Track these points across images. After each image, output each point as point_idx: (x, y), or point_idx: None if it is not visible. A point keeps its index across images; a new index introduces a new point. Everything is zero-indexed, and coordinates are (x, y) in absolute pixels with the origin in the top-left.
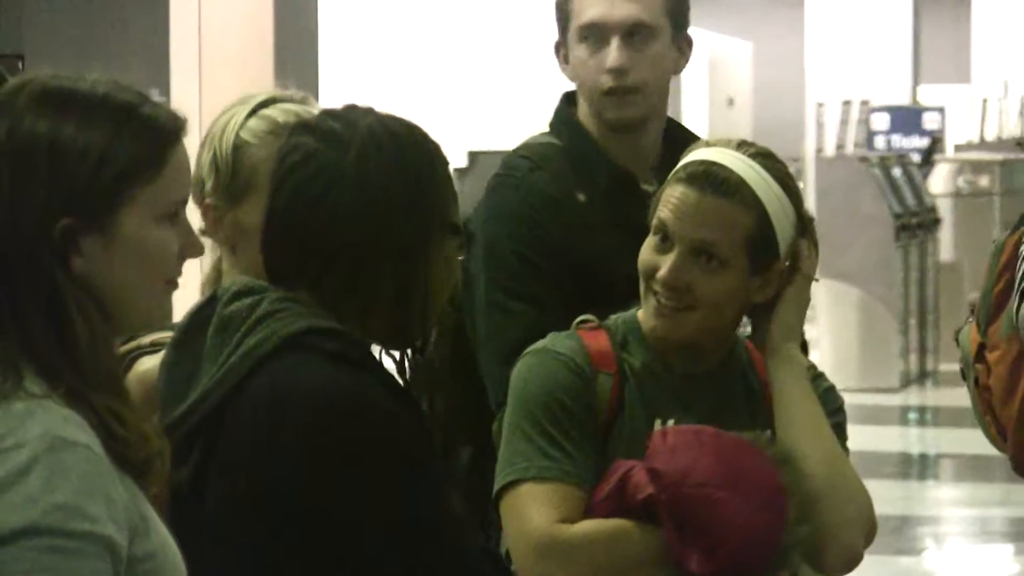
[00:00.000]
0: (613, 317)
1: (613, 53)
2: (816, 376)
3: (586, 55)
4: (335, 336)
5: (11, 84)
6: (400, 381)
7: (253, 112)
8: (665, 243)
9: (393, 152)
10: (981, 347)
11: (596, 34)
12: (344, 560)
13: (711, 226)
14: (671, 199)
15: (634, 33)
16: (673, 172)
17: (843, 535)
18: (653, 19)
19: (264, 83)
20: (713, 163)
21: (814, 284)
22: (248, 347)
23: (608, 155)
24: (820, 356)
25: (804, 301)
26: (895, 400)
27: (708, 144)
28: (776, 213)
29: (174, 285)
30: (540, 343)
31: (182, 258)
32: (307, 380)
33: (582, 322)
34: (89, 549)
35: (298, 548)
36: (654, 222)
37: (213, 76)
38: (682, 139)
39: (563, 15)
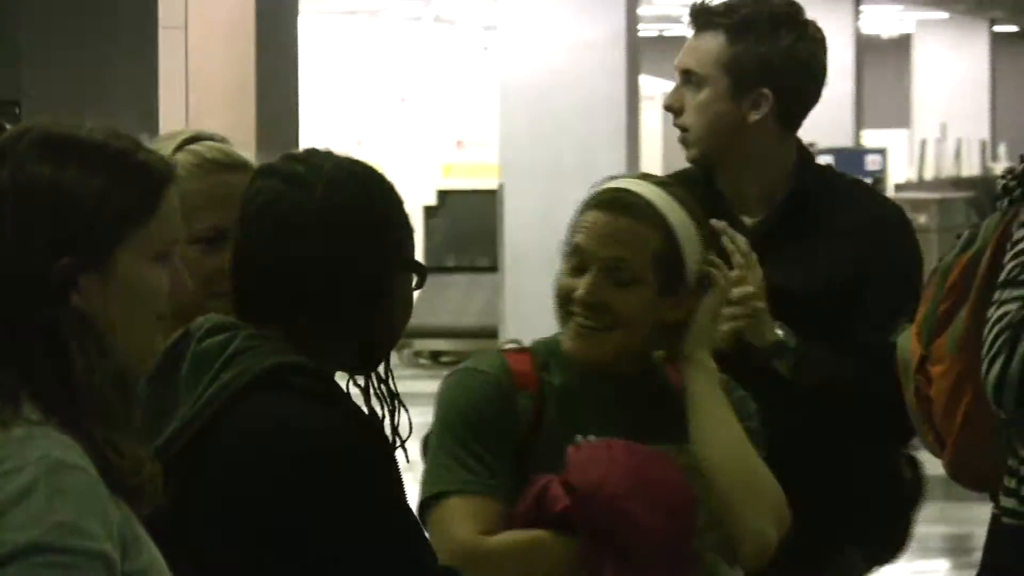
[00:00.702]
0: (537, 340)
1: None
2: (731, 386)
3: None
4: (304, 372)
5: (13, 130)
6: (364, 408)
7: (179, 147)
8: (580, 266)
9: (355, 193)
10: (923, 359)
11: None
12: None
13: (622, 244)
14: (584, 224)
15: (686, 80)
16: (584, 201)
17: (755, 526)
18: (703, 69)
19: (247, 130)
20: (621, 188)
21: None
22: (223, 382)
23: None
24: None
25: (717, 312)
26: None
27: (615, 177)
28: (683, 233)
29: (164, 322)
30: (466, 362)
31: (170, 296)
32: (284, 416)
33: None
34: (87, 564)
35: (277, 572)
36: (568, 248)
37: (200, 123)
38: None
39: None
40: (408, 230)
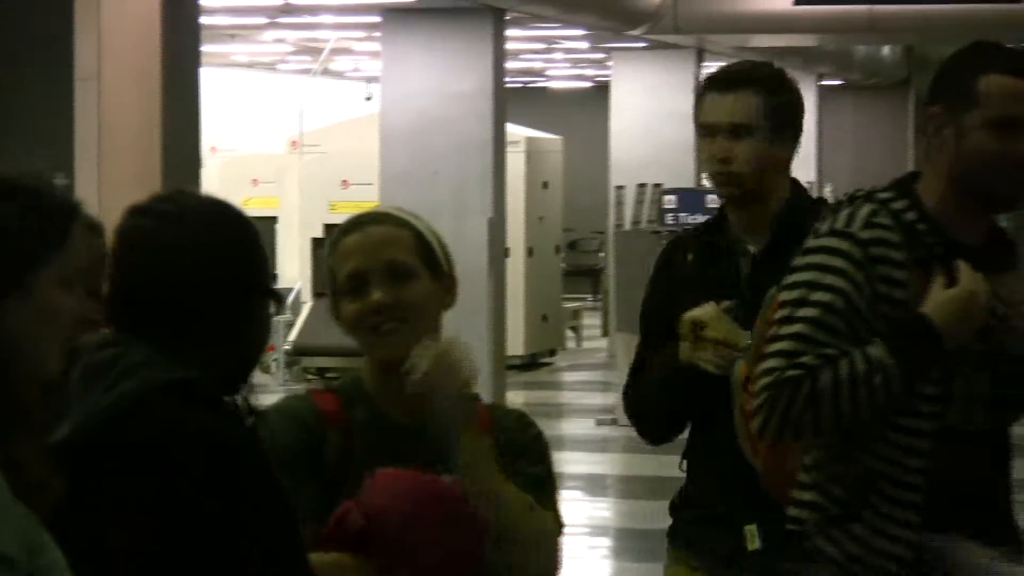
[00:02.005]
0: (343, 379)
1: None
2: (525, 425)
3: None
4: (194, 385)
5: None
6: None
7: None
8: (357, 288)
9: (218, 228)
10: (747, 379)
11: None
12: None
13: (388, 246)
14: (350, 250)
15: (734, 133)
16: (337, 233)
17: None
18: (750, 120)
19: (153, 172)
20: (365, 213)
21: (618, 335)
22: (121, 392)
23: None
24: (618, 396)
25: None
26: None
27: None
28: (425, 232)
29: (72, 341)
30: (275, 404)
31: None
32: (185, 424)
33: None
34: None
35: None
36: (344, 280)
37: (110, 166)
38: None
39: None
40: (265, 261)
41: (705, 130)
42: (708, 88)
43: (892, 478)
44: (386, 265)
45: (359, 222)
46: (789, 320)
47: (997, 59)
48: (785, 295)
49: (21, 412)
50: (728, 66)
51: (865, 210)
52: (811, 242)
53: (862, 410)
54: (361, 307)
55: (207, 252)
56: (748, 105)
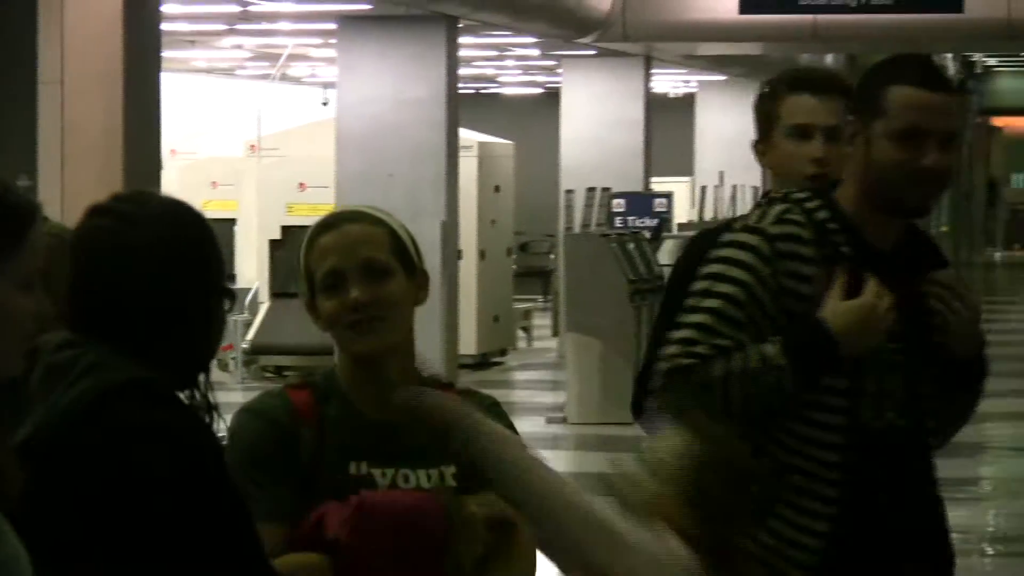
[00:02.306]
0: (318, 374)
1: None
2: (498, 415)
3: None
4: (152, 385)
5: None
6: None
7: None
8: (334, 284)
9: (179, 228)
10: None
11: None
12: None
13: (366, 244)
14: (327, 248)
15: (831, 135)
16: (313, 231)
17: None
18: (841, 122)
19: (115, 173)
20: (340, 211)
21: (568, 335)
22: (81, 389)
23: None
24: (568, 395)
25: None
26: (629, 431)
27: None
28: (399, 230)
29: (31, 342)
30: (249, 402)
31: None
32: (142, 422)
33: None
34: None
35: (140, 563)
36: (321, 277)
37: (73, 167)
38: None
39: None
40: (221, 261)
41: (797, 130)
42: (798, 88)
43: (805, 471)
44: (363, 263)
45: (335, 220)
46: (693, 310)
47: (905, 71)
48: (695, 286)
49: None
50: (813, 69)
51: (779, 208)
52: (724, 237)
53: (751, 405)
54: (339, 304)
55: (167, 253)
56: (840, 109)
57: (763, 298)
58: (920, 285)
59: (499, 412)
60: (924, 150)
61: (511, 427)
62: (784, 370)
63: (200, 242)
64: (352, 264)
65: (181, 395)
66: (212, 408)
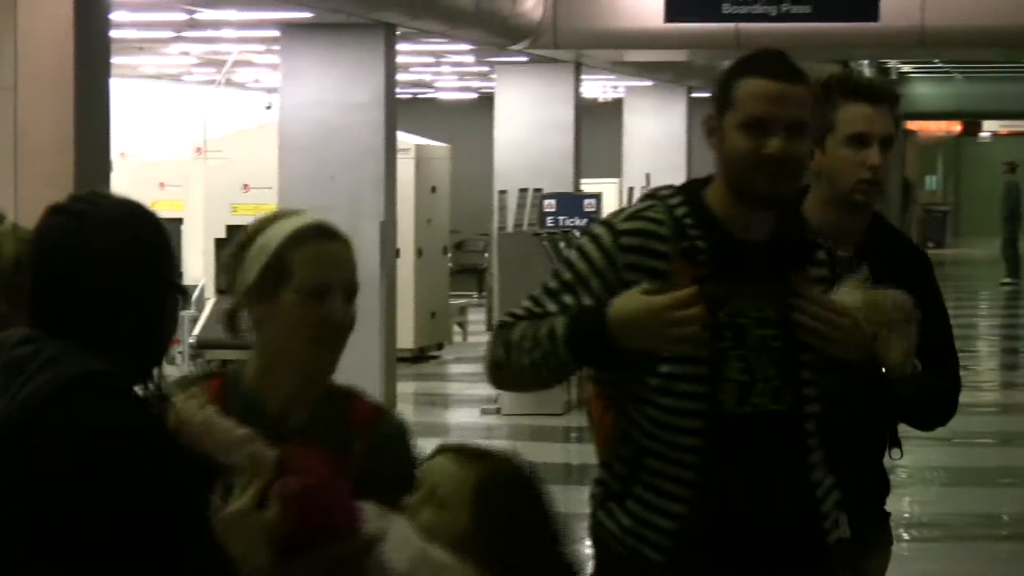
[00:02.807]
0: (230, 368)
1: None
2: (408, 447)
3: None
4: (108, 377)
5: None
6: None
7: None
8: (324, 294)
9: (133, 227)
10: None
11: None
12: (144, 560)
13: (350, 264)
14: (320, 256)
15: (887, 145)
16: (303, 233)
17: None
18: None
19: (66, 175)
20: (327, 225)
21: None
22: (37, 384)
23: None
24: None
25: None
26: (559, 422)
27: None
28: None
29: None
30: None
31: None
32: (100, 415)
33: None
34: None
35: (92, 554)
36: (313, 285)
37: (27, 170)
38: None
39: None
40: (173, 259)
41: (855, 138)
42: (855, 97)
43: (662, 455)
44: (348, 283)
45: (329, 232)
46: (542, 287)
47: (755, 63)
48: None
49: None
50: (871, 79)
51: (641, 205)
52: (591, 222)
53: (538, 369)
54: (323, 317)
55: (123, 251)
56: (891, 118)
57: (594, 285)
58: (795, 278)
59: (405, 439)
60: (768, 138)
61: (412, 462)
62: (561, 347)
63: (155, 240)
64: (340, 281)
65: (136, 388)
66: (164, 400)
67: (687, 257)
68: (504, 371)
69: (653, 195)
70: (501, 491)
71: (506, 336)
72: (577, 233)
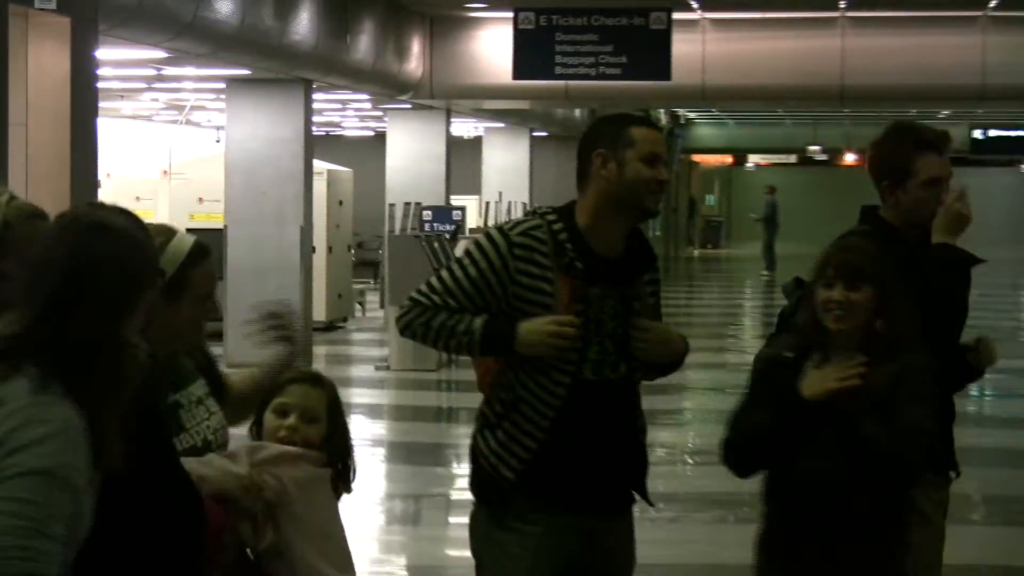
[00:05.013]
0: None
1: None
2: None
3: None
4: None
5: None
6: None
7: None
8: (285, 414)
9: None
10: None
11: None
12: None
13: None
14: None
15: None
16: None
17: None
18: None
19: (64, 194)
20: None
21: (390, 307)
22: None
23: None
24: (390, 349)
25: None
26: (434, 376)
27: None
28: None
29: None
30: None
31: None
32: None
33: None
34: None
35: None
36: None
37: (35, 188)
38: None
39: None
40: (156, 268)
41: (931, 182)
42: (928, 149)
43: (531, 404)
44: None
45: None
46: (448, 268)
47: (636, 119)
48: (461, 254)
49: None
50: (932, 130)
51: (530, 223)
52: (488, 229)
53: (450, 349)
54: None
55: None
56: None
57: (491, 281)
58: (637, 283)
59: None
60: (659, 168)
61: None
62: (475, 343)
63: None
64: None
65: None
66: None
67: (567, 271)
68: (416, 337)
69: (537, 214)
70: (337, 401)
71: (427, 319)
72: (447, 236)
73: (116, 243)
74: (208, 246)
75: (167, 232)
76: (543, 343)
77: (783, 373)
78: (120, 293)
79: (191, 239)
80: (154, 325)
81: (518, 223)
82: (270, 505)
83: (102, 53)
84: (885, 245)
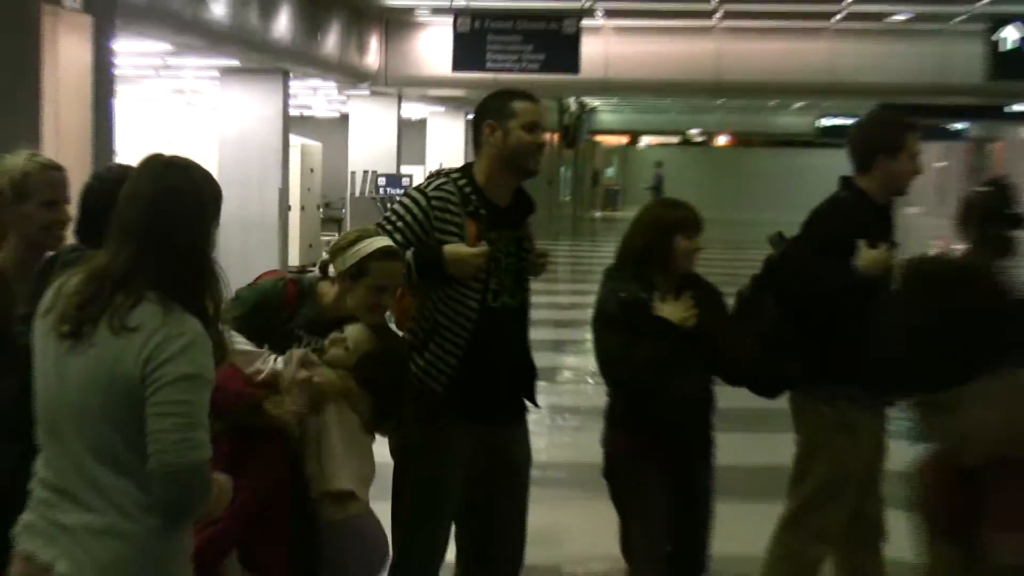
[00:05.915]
0: (310, 276)
1: None
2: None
3: None
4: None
5: None
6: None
7: (29, 160)
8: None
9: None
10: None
11: None
12: None
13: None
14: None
15: None
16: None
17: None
18: None
19: (86, 159)
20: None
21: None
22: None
23: None
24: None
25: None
26: None
27: None
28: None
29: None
30: (251, 283)
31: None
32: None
33: None
34: None
35: None
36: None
37: (63, 151)
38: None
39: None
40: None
41: (913, 156)
42: (914, 130)
43: (449, 328)
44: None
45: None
46: (386, 218)
47: (516, 94)
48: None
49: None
50: (913, 117)
51: (439, 180)
52: (408, 191)
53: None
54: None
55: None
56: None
57: (417, 231)
58: (524, 226)
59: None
60: (538, 135)
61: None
62: (409, 268)
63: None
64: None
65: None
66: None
67: (473, 217)
68: None
69: (443, 174)
70: (376, 357)
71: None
72: (397, 197)
73: (188, 174)
74: (397, 250)
75: (367, 232)
76: (466, 261)
77: (642, 310)
78: (199, 215)
79: (384, 241)
80: (329, 300)
81: (430, 183)
82: (319, 392)
83: (118, 45)
84: (858, 206)
